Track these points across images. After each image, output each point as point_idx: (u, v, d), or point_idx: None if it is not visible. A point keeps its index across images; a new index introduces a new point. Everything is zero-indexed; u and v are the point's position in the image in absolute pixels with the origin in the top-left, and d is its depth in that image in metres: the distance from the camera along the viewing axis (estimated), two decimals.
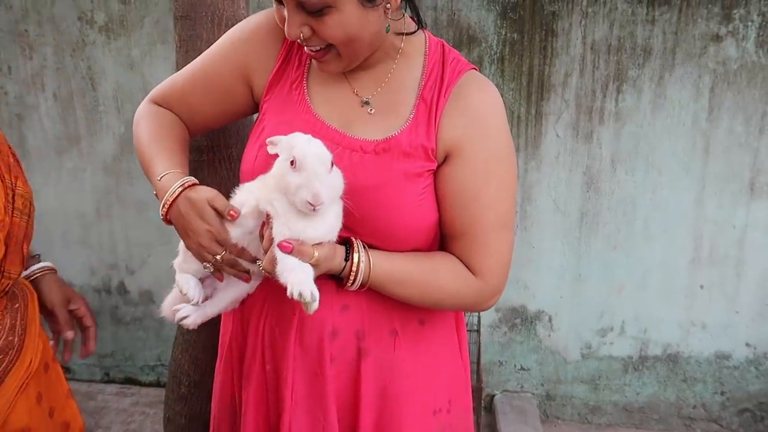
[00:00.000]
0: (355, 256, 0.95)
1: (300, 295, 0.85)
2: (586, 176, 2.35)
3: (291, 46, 1.06)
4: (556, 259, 2.43)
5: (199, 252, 0.98)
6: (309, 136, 0.91)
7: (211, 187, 1.18)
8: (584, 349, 2.51)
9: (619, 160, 2.33)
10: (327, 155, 0.89)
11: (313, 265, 0.90)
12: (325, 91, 1.03)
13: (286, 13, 0.92)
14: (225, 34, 1.11)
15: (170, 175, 1.01)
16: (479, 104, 0.99)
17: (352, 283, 0.96)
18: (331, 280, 0.99)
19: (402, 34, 1.02)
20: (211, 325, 1.49)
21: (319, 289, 0.88)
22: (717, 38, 2.21)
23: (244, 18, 1.40)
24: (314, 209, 0.86)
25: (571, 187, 2.37)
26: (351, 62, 0.98)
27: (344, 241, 0.97)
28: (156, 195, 1.03)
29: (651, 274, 2.41)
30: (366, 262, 0.95)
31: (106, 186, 2.57)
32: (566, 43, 2.25)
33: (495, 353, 2.55)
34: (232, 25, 1.36)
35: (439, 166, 0.99)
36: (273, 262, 0.89)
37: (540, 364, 2.55)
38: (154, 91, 1.14)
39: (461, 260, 1.02)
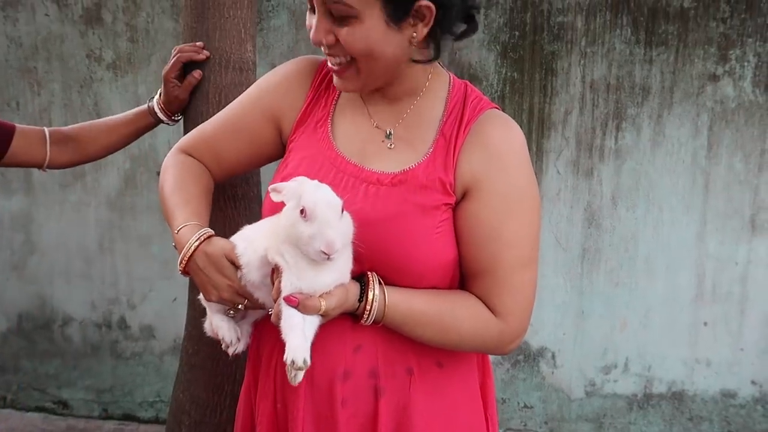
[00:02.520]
0: (370, 294, 0.93)
1: (292, 362, 0.84)
2: (587, 212, 2.36)
3: (319, 86, 1.08)
4: (558, 295, 2.42)
5: (220, 303, 1.00)
6: (316, 182, 0.90)
7: (216, 226, 1.18)
8: (588, 387, 2.49)
9: (620, 196, 2.34)
10: (337, 201, 0.87)
11: (323, 315, 0.89)
12: (348, 127, 1.05)
13: (314, 20, 0.94)
14: (255, 82, 1.14)
15: (187, 228, 1.00)
16: (498, 141, 0.99)
17: (366, 320, 0.95)
18: (346, 317, 0.97)
19: (429, 71, 1.05)
20: (213, 365, 1.49)
21: (333, 329, 0.87)
22: (714, 78, 2.25)
23: (251, 60, 1.44)
24: (328, 258, 0.85)
25: (573, 224, 2.37)
26: (368, 81, 0.98)
27: (360, 276, 0.95)
28: (175, 247, 1.02)
29: (654, 310, 2.40)
30: (381, 299, 0.93)
31: (109, 220, 2.58)
32: (566, 81, 2.29)
33: (498, 390, 2.52)
34: (239, 68, 1.39)
35: (458, 203, 0.98)
36: (279, 315, 0.89)
37: (543, 402, 2.52)
38: (183, 141, 1.17)
39: (482, 300, 0.99)
